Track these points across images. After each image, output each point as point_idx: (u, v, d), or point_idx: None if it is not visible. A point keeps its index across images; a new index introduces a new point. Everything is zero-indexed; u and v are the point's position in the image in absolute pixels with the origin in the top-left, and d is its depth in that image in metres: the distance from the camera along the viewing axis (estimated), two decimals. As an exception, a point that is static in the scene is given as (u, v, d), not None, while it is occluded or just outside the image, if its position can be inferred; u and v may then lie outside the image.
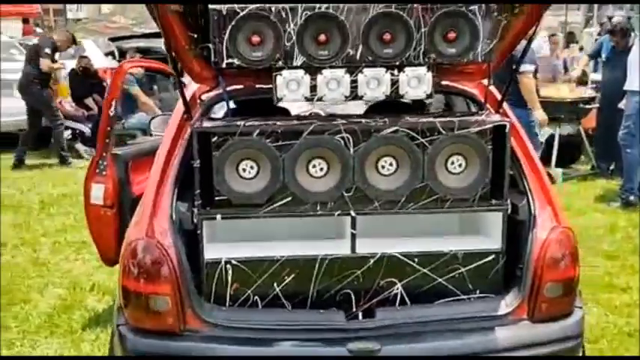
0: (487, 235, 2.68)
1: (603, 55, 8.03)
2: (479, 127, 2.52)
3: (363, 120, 2.60)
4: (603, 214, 6.32)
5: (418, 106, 3.75)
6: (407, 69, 2.59)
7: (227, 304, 2.57)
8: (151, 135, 4.54)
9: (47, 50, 8.32)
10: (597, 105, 7.58)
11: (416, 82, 2.61)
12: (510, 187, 2.67)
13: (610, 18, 12.86)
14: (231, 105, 3.59)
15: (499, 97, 2.94)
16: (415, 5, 2.49)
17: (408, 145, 2.50)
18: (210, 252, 2.56)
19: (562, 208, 2.77)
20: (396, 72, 2.59)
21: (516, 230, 2.67)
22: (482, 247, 2.64)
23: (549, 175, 7.16)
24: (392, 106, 3.01)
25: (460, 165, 2.55)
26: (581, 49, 13.82)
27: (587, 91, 7.93)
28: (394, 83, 2.59)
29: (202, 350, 2.47)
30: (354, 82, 2.58)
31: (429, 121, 2.54)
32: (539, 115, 6.20)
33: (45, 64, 8.24)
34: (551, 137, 7.47)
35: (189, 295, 2.52)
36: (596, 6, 24.49)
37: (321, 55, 2.53)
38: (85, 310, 4.29)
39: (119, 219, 3.73)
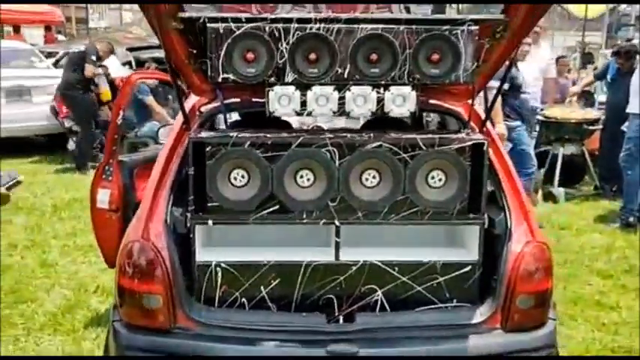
0: (465, 247, 2.81)
1: (608, 77, 8.14)
2: (458, 144, 2.67)
3: (349, 135, 2.74)
4: (602, 234, 6.40)
5: (414, 124, 3.91)
6: (392, 88, 2.74)
7: (216, 304, 2.72)
8: (158, 143, 4.72)
9: (92, 57, 8.85)
10: (601, 126, 7.66)
11: (401, 100, 2.76)
12: (489, 202, 2.81)
13: (629, 40, 12.92)
14: (236, 117, 3.78)
15: (483, 116, 3.08)
16: (401, 28, 2.65)
17: (391, 159, 2.64)
18: (202, 255, 2.72)
19: (537, 224, 2.90)
20: (381, 90, 2.74)
21: (493, 243, 2.80)
22: (459, 259, 2.77)
23: (551, 193, 7.32)
24: (388, 122, 3.16)
25: (440, 179, 2.69)
26: (595, 69, 13.89)
27: (592, 113, 8.02)
28: (380, 101, 2.74)
29: (191, 347, 2.62)
30: (342, 98, 2.73)
31: (411, 137, 2.68)
32: (499, 129, 6.35)
33: (89, 69, 8.75)
34: (555, 157, 7.58)
35: (181, 295, 2.68)
36: (613, 27, 24.56)
37: (312, 72, 2.70)
38: (88, 310, 4.45)
39: (123, 223, 3.90)
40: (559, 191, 7.51)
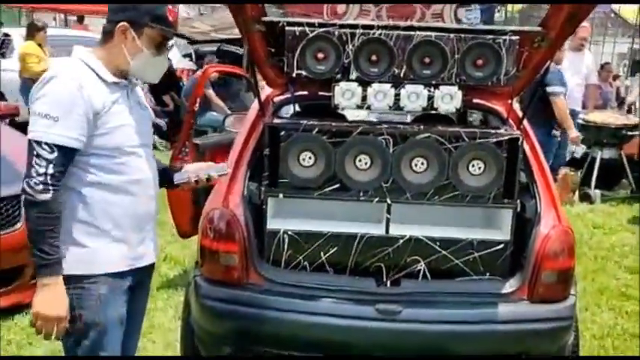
0: (498, 227, 3.22)
1: (651, 85, 8.42)
2: (496, 138, 3.09)
3: (402, 126, 3.19)
4: (633, 234, 6.71)
5: (460, 120, 4.35)
6: (441, 87, 3.16)
7: (282, 266, 3.19)
8: (221, 131, 5.25)
9: None
10: (638, 132, 7.95)
11: (448, 99, 3.18)
12: (522, 190, 3.22)
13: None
14: (297, 109, 4.26)
15: (521, 115, 3.49)
16: (451, 36, 3.08)
17: (437, 148, 3.08)
18: (272, 223, 3.18)
19: (564, 212, 3.30)
20: (432, 89, 3.17)
21: (524, 225, 3.21)
22: (493, 237, 3.18)
23: (587, 194, 7.63)
24: (435, 119, 3.56)
25: (479, 168, 3.11)
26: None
27: (631, 118, 8.30)
28: (430, 98, 3.17)
29: (260, 300, 3.09)
30: (397, 95, 3.17)
31: (456, 130, 3.11)
32: (571, 133, 6.75)
33: None
34: (593, 160, 7.88)
35: (253, 256, 3.15)
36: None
37: (372, 71, 3.14)
38: (159, 275, 4.98)
39: (194, 197, 4.42)
40: (595, 193, 7.82)
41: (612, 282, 5.36)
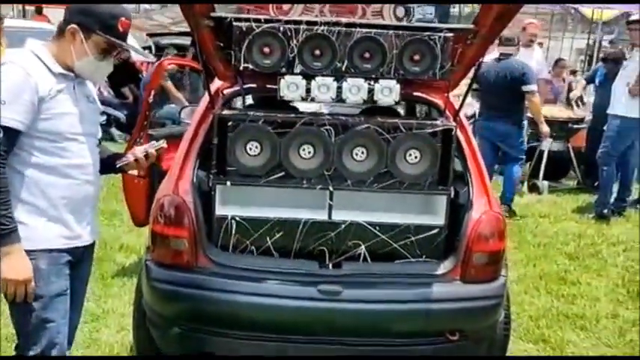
0: (434, 213, 3.41)
1: (597, 81, 8.74)
2: (431, 128, 3.29)
3: (343, 117, 3.37)
4: (577, 223, 7.03)
5: (409, 112, 4.56)
6: (381, 81, 3.35)
7: (230, 250, 3.34)
8: (179, 123, 5.37)
9: None
10: (585, 125, 8.27)
11: (387, 92, 3.36)
12: (456, 178, 3.43)
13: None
14: (249, 101, 4.42)
15: (457, 107, 3.70)
16: (389, 32, 3.27)
17: (376, 138, 3.26)
18: (220, 210, 3.34)
19: (495, 198, 3.52)
20: (372, 82, 3.35)
21: (457, 211, 3.42)
22: (429, 222, 3.37)
23: (535, 185, 7.94)
24: (384, 111, 3.69)
25: (416, 157, 3.30)
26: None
27: (577, 112, 8.62)
28: (370, 91, 3.36)
29: (208, 282, 3.25)
30: (339, 88, 3.34)
31: (394, 121, 3.30)
32: (543, 128, 7.07)
33: None
34: (541, 152, 8.19)
35: (202, 240, 3.30)
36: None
37: (316, 65, 3.31)
38: (114, 263, 5.11)
39: (149, 188, 4.55)
40: (543, 184, 8.14)
41: (553, 267, 5.64)
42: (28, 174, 2.54)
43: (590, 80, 9.22)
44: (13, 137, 2.46)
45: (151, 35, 11.53)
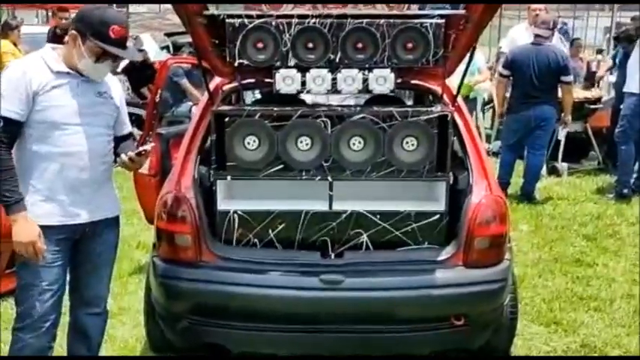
0: (434, 199, 3.43)
1: (617, 60, 8.62)
2: (427, 115, 3.30)
3: (339, 108, 3.40)
4: (596, 204, 6.96)
5: (416, 100, 4.57)
6: (375, 70, 3.37)
7: (233, 244, 3.40)
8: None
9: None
10: (601, 106, 8.16)
11: (382, 81, 3.39)
12: (456, 164, 3.44)
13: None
14: (258, 96, 4.46)
15: (454, 92, 3.70)
16: (381, 21, 3.29)
17: (372, 128, 3.29)
18: (222, 204, 3.39)
19: (496, 182, 3.52)
20: (366, 72, 3.37)
21: (457, 196, 3.43)
22: (430, 209, 3.38)
23: (555, 168, 7.87)
24: (388, 100, 3.70)
25: (413, 144, 3.31)
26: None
27: (594, 93, 8.51)
28: (365, 81, 3.38)
29: (213, 275, 3.31)
30: (334, 79, 3.37)
31: (389, 110, 3.32)
32: (567, 116, 7.15)
33: None
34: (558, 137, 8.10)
35: (205, 235, 3.36)
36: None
37: (309, 58, 3.35)
38: (131, 261, 5.21)
39: (161, 185, 4.61)
40: (562, 166, 8.05)
41: (569, 249, 5.60)
42: (25, 158, 2.90)
43: (613, 59, 9.10)
44: (11, 126, 2.82)
45: (168, 35, 11.62)
